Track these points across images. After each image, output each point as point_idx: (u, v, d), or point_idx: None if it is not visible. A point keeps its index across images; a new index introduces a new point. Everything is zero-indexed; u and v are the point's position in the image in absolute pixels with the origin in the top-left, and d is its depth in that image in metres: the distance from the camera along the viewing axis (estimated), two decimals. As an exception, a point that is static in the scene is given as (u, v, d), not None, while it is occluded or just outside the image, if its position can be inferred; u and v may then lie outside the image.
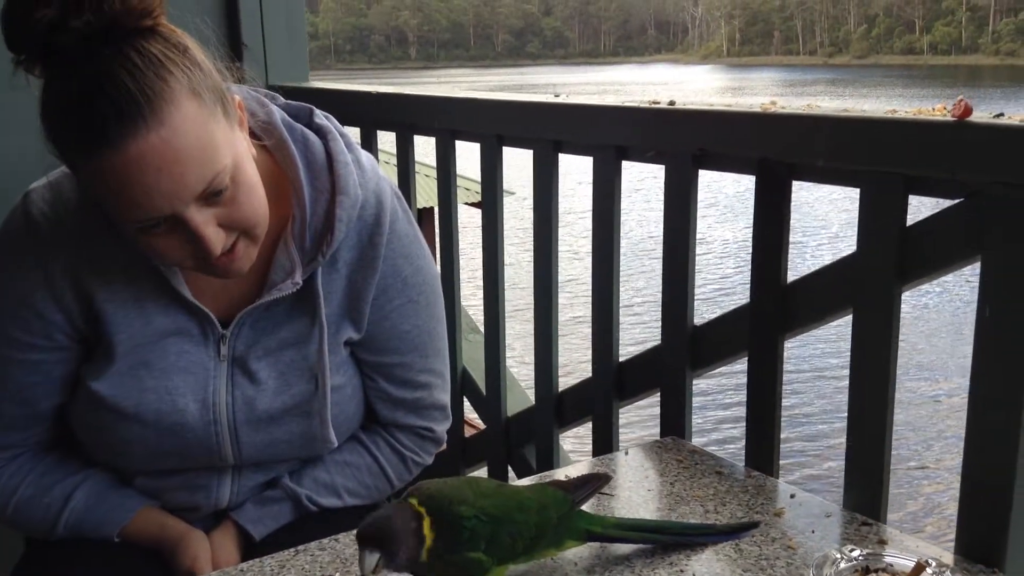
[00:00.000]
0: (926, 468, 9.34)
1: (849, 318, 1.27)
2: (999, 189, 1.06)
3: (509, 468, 2.10)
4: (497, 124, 1.85)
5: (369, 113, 2.18)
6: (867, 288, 1.23)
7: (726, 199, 19.97)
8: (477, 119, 1.90)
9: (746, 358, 1.44)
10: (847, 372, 1.28)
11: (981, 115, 1.12)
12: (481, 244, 1.95)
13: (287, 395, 1.26)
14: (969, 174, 1.09)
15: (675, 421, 1.57)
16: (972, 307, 1.11)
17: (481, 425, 2.18)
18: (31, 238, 1.20)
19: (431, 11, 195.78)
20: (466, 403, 2.24)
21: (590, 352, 1.73)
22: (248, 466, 1.30)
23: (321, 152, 1.25)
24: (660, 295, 1.57)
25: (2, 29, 1.02)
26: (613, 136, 1.58)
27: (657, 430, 1.59)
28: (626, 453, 1.46)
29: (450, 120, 1.97)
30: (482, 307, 2.00)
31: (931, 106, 1.19)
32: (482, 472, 2.23)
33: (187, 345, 1.24)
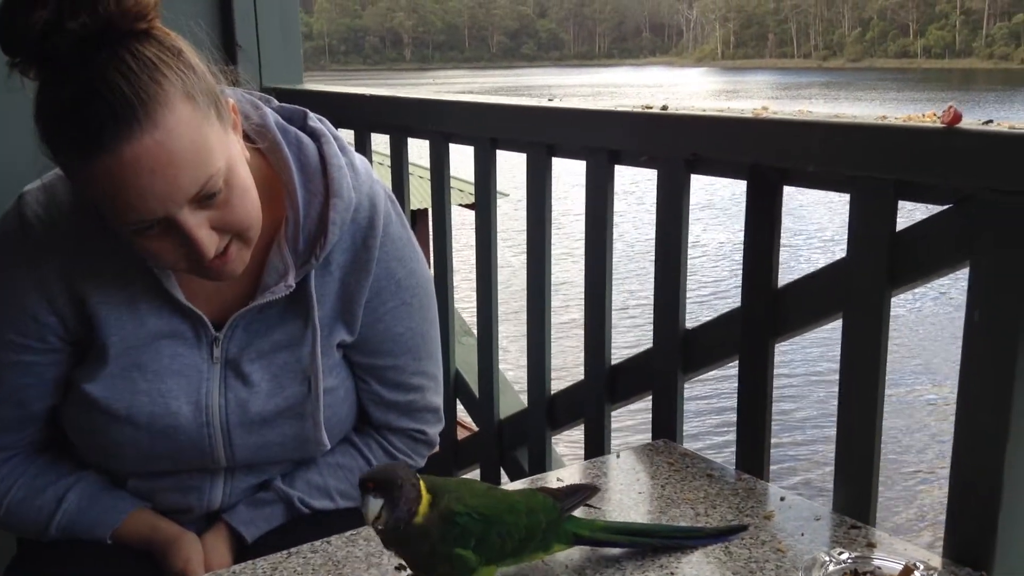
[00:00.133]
0: (919, 472, 9.37)
1: (840, 322, 1.28)
2: (988, 195, 1.07)
3: (502, 470, 2.10)
4: (491, 127, 1.86)
5: (363, 116, 2.18)
6: (857, 292, 1.23)
7: (721, 201, 20.00)
8: (471, 122, 1.91)
9: (737, 362, 1.45)
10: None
11: (970, 122, 1.13)
12: (475, 247, 1.96)
13: (280, 397, 1.26)
14: (959, 180, 1.10)
15: (667, 424, 1.57)
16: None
17: (474, 427, 2.19)
18: (25, 240, 1.20)
19: (426, 12, 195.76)
20: (459, 405, 2.25)
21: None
22: (241, 468, 1.30)
23: (315, 155, 1.26)
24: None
25: None
26: (606, 140, 1.59)
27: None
28: (617, 456, 1.46)
29: (444, 123, 1.98)
30: (474, 309, 2.00)
31: (922, 112, 1.20)
32: (474, 474, 2.23)
33: (180, 347, 1.24)
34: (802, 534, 1.20)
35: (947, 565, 1.13)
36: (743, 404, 1.45)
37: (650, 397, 1.64)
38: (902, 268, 1.19)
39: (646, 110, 1.49)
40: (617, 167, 1.62)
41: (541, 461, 1.92)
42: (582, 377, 1.78)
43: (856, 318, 1.24)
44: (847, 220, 1.24)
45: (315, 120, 1.31)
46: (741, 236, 1.39)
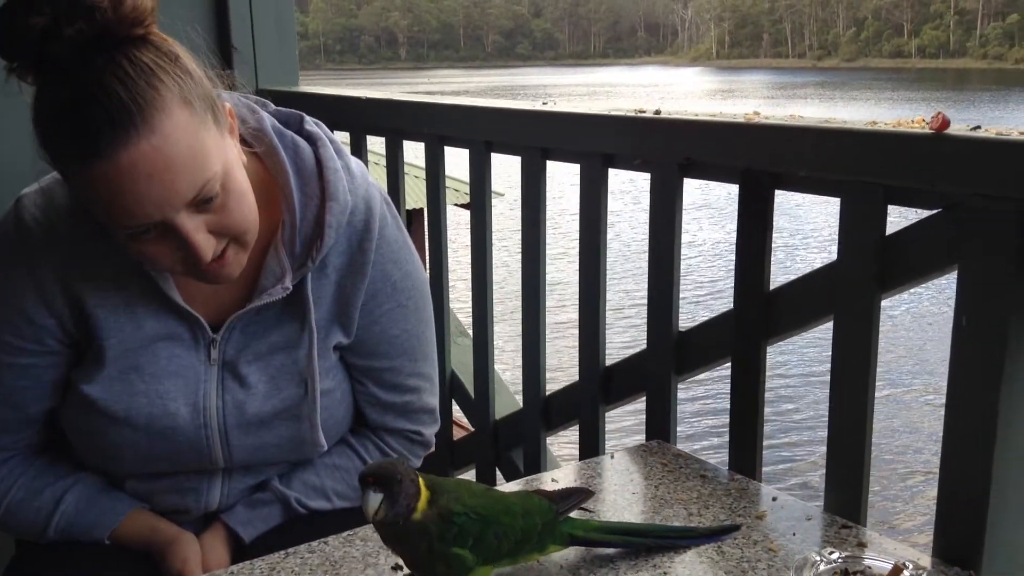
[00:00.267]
0: (916, 472, 9.39)
1: (830, 325, 1.30)
2: (976, 201, 1.08)
3: (497, 471, 2.12)
4: (486, 131, 1.87)
5: (359, 118, 2.19)
6: (848, 296, 1.25)
7: (717, 201, 20.02)
8: (466, 125, 1.92)
9: (730, 363, 1.47)
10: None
11: (959, 127, 1.14)
12: (470, 249, 1.97)
13: (277, 399, 1.27)
14: (947, 186, 1.11)
15: (660, 425, 1.59)
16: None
17: (470, 426, 2.20)
18: (23, 243, 1.21)
19: (421, 12, 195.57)
20: (455, 405, 2.26)
21: (578, 356, 1.74)
22: (238, 469, 1.31)
23: (311, 158, 1.27)
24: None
25: None
26: (600, 144, 1.60)
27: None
28: (612, 457, 1.48)
29: (439, 126, 1.99)
30: (471, 310, 2.02)
31: (911, 118, 1.21)
32: (470, 474, 2.24)
33: (178, 349, 1.25)
34: (794, 534, 1.21)
35: (936, 565, 1.15)
36: (736, 405, 1.46)
37: (644, 398, 1.65)
38: (891, 272, 1.21)
39: (639, 114, 1.51)
40: (611, 170, 1.63)
41: (536, 461, 1.94)
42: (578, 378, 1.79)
43: (846, 320, 1.26)
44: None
45: (311, 124, 1.32)
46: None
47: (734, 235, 1.42)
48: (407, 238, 1.37)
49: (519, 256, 1.85)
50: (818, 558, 1.07)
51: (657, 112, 1.49)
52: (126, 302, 1.22)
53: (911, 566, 1.05)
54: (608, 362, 1.75)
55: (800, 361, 11.53)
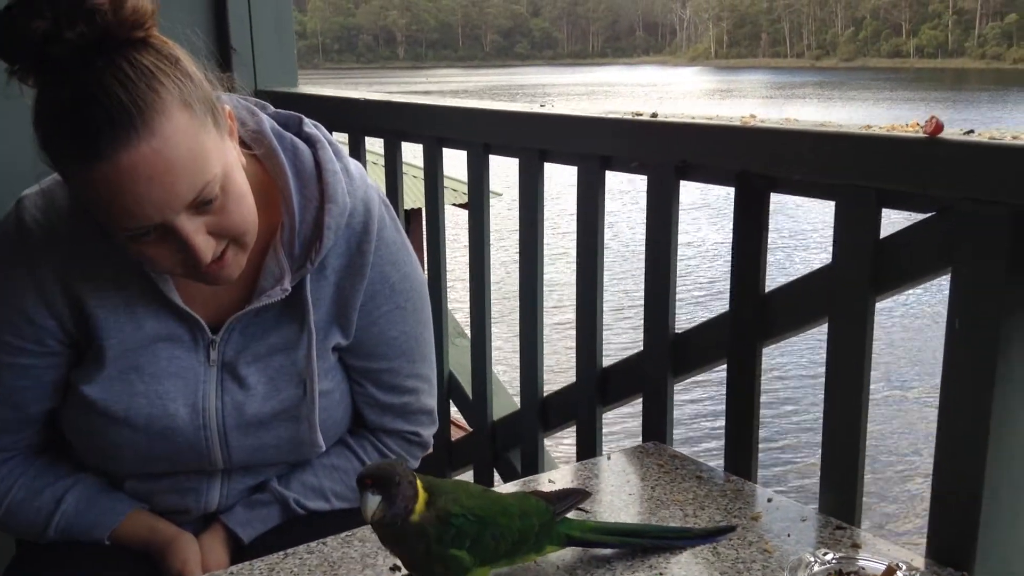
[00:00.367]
0: (911, 475, 9.40)
1: (825, 327, 1.31)
2: (969, 205, 1.09)
3: (495, 471, 2.12)
4: (484, 133, 1.88)
5: (357, 120, 2.20)
6: (842, 298, 1.26)
7: (716, 200, 20.02)
8: (464, 127, 1.93)
9: (726, 365, 1.48)
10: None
11: (952, 131, 1.15)
12: (468, 251, 1.98)
13: (276, 400, 1.28)
14: (940, 190, 1.12)
15: (657, 426, 1.60)
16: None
17: (468, 426, 2.21)
18: (23, 244, 1.21)
19: (419, 11, 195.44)
20: (453, 405, 2.27)
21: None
22: (237, 470, 1.32)
23: (310, 161, 1.28)
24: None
25: None
26: (597, 146, 1.61)
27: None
28: (608, 458, 1.49)
29: (437, 128, 2.00)
30: (468, 311, 2.02)
31: (905, 121, 1.22)
32: (468, 475, 2.25)
33: (177, 350, 1.26)
34: (788, 535, 1.22)
35: (930, 565, 1.16)
36: (732, 406, 1.47)
37: (641, 399, 1.66)
38: (885, 275, 1.22)
39: (636, 117, 1.52)
40: (608, 172, 1.64)
41: (534, 462, 1.94)
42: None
43: (841, 323, 1.27)
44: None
45: (310, 126, 1.33)
46: (734, 238, 1.40)
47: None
48: (405, 240, 1.38)
49: (517, 256, 1.86)
50: (812, 559, 1.08)
51: (654, 115, 1.50)
52: (126, 303, 1.23)
53: (904, 567, 1.06)
54: (607, 363, 1.76)
55: (801, 363, 11.57)
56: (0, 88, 1.07)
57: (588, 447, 1.78)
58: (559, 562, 1.15)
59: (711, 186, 1.48)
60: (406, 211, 2.43)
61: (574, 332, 1.74)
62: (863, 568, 1.07)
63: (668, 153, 1.47)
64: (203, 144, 1.08)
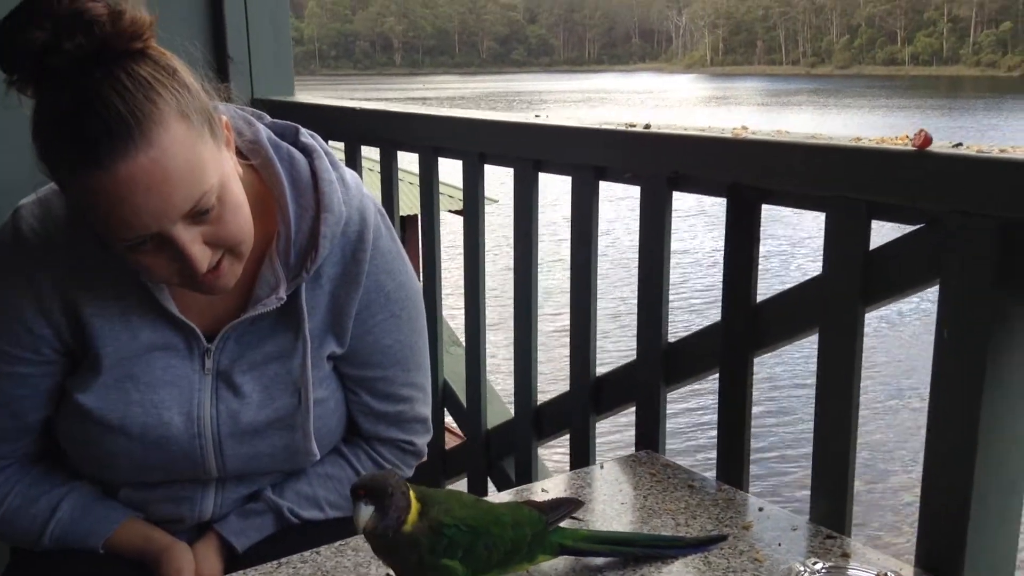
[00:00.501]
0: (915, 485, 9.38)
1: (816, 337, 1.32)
2: (957, 217, 1.10)
3: (489, 480, 2.13)
4: (479, 142, 1.89)
5: (354, 129, 2.21)
6: (832, 309, 1.27)
7: (712, 208, 20.00)
8: (459, 137, 1.94)
9: (718, 374, 1.49)
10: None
11: (941, 143, 1.16)
12: (463, 259, 1.99)
13: (271, 408, 1.29)
14: (928, 202, 1.14)
15: (650, 435, 1.61)
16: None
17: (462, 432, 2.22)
18: (20, 253, 1.22)
19: (416, 17, 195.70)
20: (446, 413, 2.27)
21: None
22: (231, 479, 1.32)
23: (306, 170, 1.28)
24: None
25: None
26: (591, 157, 1.62)
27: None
28: (601, 467, 1.50)
29: (433, 137, 2.01)
30: (463, 320, 2.03)
31: (895, 135, 1.23)
32: (462, 484, 2.26)
33: (173, 359, 1.26)
34: (779, 544, 1.23)
35: (919, 574, 1.17)
36: (723, 416, 1.48)
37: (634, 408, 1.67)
38: (875, 286, 1.23)
39: (630, 128, 1.53)
40: (602, 183, 1.65)
41: (527, 471, 1.95)
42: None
43: (831, 333, 1.28)
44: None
45: (307, 136, 1.34)
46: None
47: (727, 245, 1.44)
48: (401, 249, 1.39)
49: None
50: (802, 568, 1.09)
51: (647, 126, 1.52)
52: (122, 312, 1.24)
53: (893, 576, 1.07)
54: (605, 370, 1.77)
55: (796, 371, 11.58)
56: (-1, 98, 1.07)
57: (581, 456, 1.78)
58: (552, 571, 1.16)
59: (708, 195, 1.49)
60: (402, 217, 2.44)
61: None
62: (852, 577, 1.08)
63: (661, 164, 1.48)
64: (200, 155, 1.09)
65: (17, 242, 1.22)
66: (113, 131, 1.02)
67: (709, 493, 1.38)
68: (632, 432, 1.62)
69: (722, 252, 1.44)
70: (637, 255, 1.57)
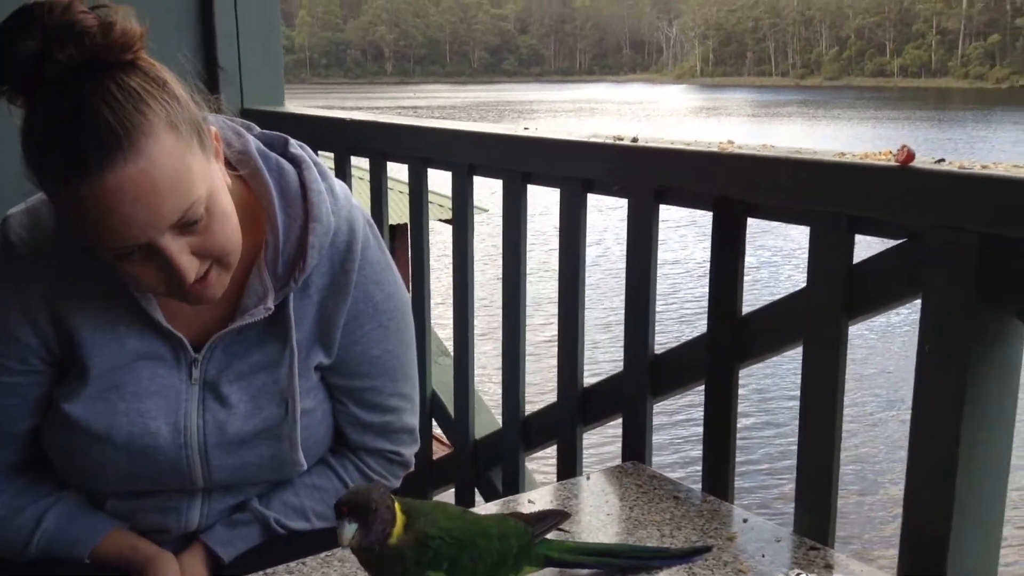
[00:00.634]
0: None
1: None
2: (939, 232, 1.12)
3: (476, 491, 2.13)
4: (468, 154, 1.90)
5: (343, 139, 2.22)
6: (816, 322, 1.28)
7: (703, 218, 19.97)
8: (448, 148, 1.95)
9: (703, 386, 1.50)
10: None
11: (924, 159, 1.18)
12: (452, 270, 1.99)
13: (258, 419, 1.29)
14: (911, 217, 1.15)
15: (636, 446, 1.62)
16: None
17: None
18: (8, 262, 1.22)
19: (407, 27, 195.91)
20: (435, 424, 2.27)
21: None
22: (218, 489, 1.32)
23: (295, 181, 1.29)
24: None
25: None
26: (579, 169, 1.63)
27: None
28: (588, 478, 1.50)
29: (422, 148, 2.02)
30: (452, 330, 2.04)
31: (879, 150, 1.25)
32: (449, 494, 2.26)
33: (160, 369, 1.26)
34: (763, 555, 1.24)
35: (901, 585, 1.18)
36: (709, 427, 1.49)
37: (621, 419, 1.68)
38: (858, 299, 1.24)
39: (617, 141, 1.54)
40: (590, 195, 1.66)
41: (515, 482, 1.96)
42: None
43: (815, 346, 1.29)
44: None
45: (296, 147, 1.34)
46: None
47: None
48: (389, 260, 1.39)
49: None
50: (785, 579, 1.10)
51: (634, 139, 1.53)
52: (109, 322, 1.24)
53: (875, 587, 1.08)
54: (595, 380, 1.77)
55: (789, 385, 11.59)
56: (-11, 108, 1.08)
57: (569, 466, 1.79)
58: (537, 582, 1.16)
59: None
60: (392, 226, 2.44)
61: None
62: (835, 588, 1.09)
63: (648, 177, 1.50)
64: (189, 165, 1.10)
65: (5, 251, 1.22)
66: (102, 142, 1.03)
67: (694, 504, 1.39)
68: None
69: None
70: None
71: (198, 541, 1.33)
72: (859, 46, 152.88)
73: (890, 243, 1.22)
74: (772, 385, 11.40)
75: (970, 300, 1.10)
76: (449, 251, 2.03)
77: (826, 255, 1.25)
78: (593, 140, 1.59)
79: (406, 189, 2.13)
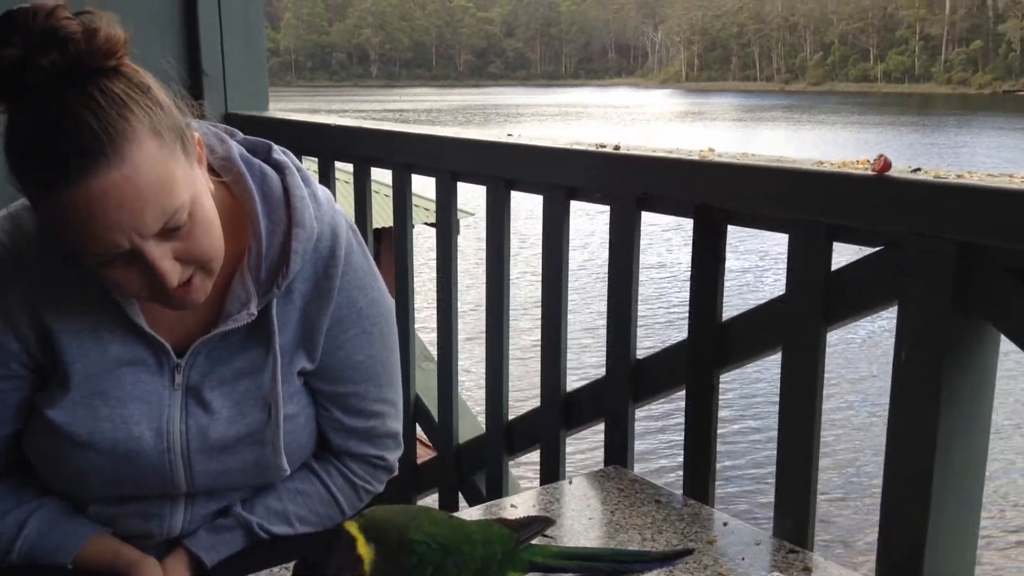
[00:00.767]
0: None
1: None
2: (915, 240, 1.13)
3: (460, 495, 2.14)
4: (452, 161, 1.91)
5: (327, 145, 2.23)
6: (795, 328, 1.30)
7: (689, 222, 20.02)
8: (432, 155, 1.96)
9: (684, 391, 1.51)
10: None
11: (900, 168, 1.19)
12: (436, 276, 2.00)
13: (240, 424, 1.29)
14: (887, 225, 1.17)
15: (618, 451, 1.63)
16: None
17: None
18: (-10, 269, 1.22)
19: (393, 30, 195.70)
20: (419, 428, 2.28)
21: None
22: (201, 494, 1.32)
23: (278, 186, 1.29)
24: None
25: None
26: (562, 177, 1.64)
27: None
28: (570, 482, 1.51)
29: (406, 155, 2.03)
30: (436, 335, 2.04)
31: (856, 158, 1.26)
32: (433, 498, 2.27)
33: (142, 374, 1.26)
34: (743, 558, 1.25)
35: (878, 589, 1.19)
36: (690, 432, 1.50)
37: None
38: (836, 306, 1.26)
39: (600, 149, 1.55)
40: (573, 202, 1.67)
41: (498, 486, 1.96)
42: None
43: (793, 352, 1.31)
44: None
45: (279, 152, 1.34)
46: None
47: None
48: (373, 265, 1.40)
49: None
50: (764, 582, 1.11)
51: (616, 147, 1.54)
52: (92, 327, 1.24)
53: (852, 590, 1.10)
54: (581, 383, 1.78)
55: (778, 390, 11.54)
56: (-31, 114, 1.08)
57: (552, 470, 1.80)
58: (519, 586, 1.17)
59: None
60: (377, 230, 2.45)
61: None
62: (813, 592, 1.10)
63: (630, 185, 1.51)
64: (172, 172, 1.10)
65: (-13, 257, 1.22)
66: (86, 148, 1.03)
67: (675, 508, 1.40)
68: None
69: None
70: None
71: (181, 546, 1.33)
72: (843, 52, 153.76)
73: (868, 251, 1.24)
74: (762, 390, 11.46)
75: (946, 307, 1.11)
76: (433, 254, 2.04)
77: (805, 262, 1.27)
78: (576, 148, 1.61)
79: (391, 192, 2.13)
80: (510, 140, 1.76)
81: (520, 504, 1.43)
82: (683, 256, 18.00)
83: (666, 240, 19.27)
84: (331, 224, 1.32)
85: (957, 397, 1.14)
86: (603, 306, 1.63)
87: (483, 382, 1.93)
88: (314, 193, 1.32)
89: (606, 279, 1.62)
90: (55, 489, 1.32)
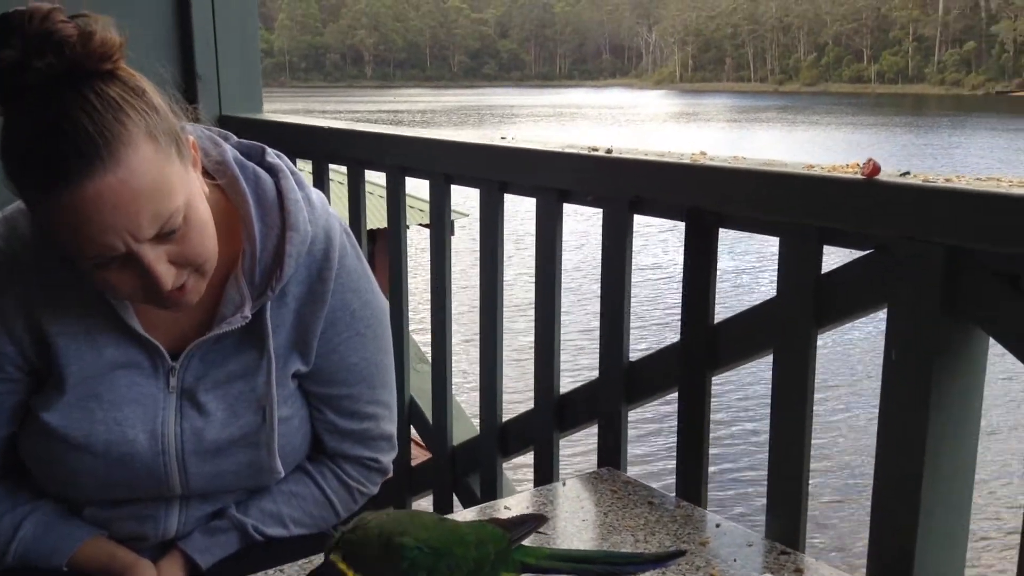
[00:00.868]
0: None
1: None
2: (905, 243, 1.14)
3: (454, 497, 2.14)
4: (445, 163, 1.92)
5: (321, 147, 2.23)
6: (786, 331, 1.31)
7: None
8: (426, 158, 1.96)
9: (677, 393, 1.52)
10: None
11: (890, 172, 1.20)
12: (430, 278, 2.01)
13: (235, 426, 1.29)
14: (877, 228, 1.18)
15: (612, 452, 1.63)
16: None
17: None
18: (-15, 272, 1.22)
19: (388, 31, 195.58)
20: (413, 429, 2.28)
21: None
22: (195, 496, 1.33)
23: (272, 190, 1.30)
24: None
25: None
26: (555, 180, 1.65)
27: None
28: (564, 484, 1.52)
29: (400, 157, 2.03)
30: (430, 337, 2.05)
31: (846, 163, 1.28)
32: (427, 500, 2.27)
33: (137, 377, 1.27)
34: (735, 560, 1.26)
35: (868, 589, 1.20)
36: (682, 434, 1.51)
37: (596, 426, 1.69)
38: (826, 309, 1.27)
39: (592, 152, 1.56)
40: (567, 204, 1.68)
41: (492, 488, 1.97)
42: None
43: (784, 355, 1.31)
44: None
45: (273, 156, 1.35)
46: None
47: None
48: (367, 268, 1.40)
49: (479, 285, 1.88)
50: (755, 583, 1.12)
51: (608, 151, 1.55)
52: (87, 330, 1.24)
53: (843, 591, 1.10)
54: (575, 385, 1.79)
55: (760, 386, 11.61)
56: (-35, 117, 1.08)
57: (545, 472, 1.81)
58: (512, 588, 1.18)
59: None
60: (372, 231, 2.45)
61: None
62: (804, 592, 1.11)
63: (622, 188, 1.52)
64: (167, 175, 1.10)
65: (-18, 261, 1.22)
66: (81, 151, 1.04)
67: (668, 510, 1.41)
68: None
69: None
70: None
71: (176, 548, 1.34)
72: (837, 52, 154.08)
73: (858, 254, 1.24)
74: (757, 393, 11.46)
75: (935, 311, 1.12)
76: (424, 258, 2.04)
77: (796, 265, 1.28)
78: (568, 151, 1.61)
79: (385, 194, 2.14)
80: (503, 143, 1.77)
81: (514, 506, 1.43)
82: (679, 256, 17.98)
83: (662, 241, 19.31)
84: (325, 227, 1.32)
85: (946, 400, 1.15)
86: (597, 307, 1.63)
87: (478, 384, 1.94)
88: (308, 196, 1.32)
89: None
90: (50, 492, 1.33)
